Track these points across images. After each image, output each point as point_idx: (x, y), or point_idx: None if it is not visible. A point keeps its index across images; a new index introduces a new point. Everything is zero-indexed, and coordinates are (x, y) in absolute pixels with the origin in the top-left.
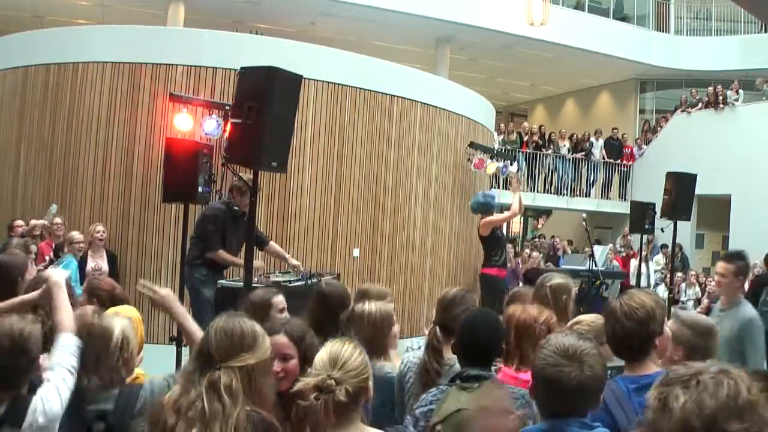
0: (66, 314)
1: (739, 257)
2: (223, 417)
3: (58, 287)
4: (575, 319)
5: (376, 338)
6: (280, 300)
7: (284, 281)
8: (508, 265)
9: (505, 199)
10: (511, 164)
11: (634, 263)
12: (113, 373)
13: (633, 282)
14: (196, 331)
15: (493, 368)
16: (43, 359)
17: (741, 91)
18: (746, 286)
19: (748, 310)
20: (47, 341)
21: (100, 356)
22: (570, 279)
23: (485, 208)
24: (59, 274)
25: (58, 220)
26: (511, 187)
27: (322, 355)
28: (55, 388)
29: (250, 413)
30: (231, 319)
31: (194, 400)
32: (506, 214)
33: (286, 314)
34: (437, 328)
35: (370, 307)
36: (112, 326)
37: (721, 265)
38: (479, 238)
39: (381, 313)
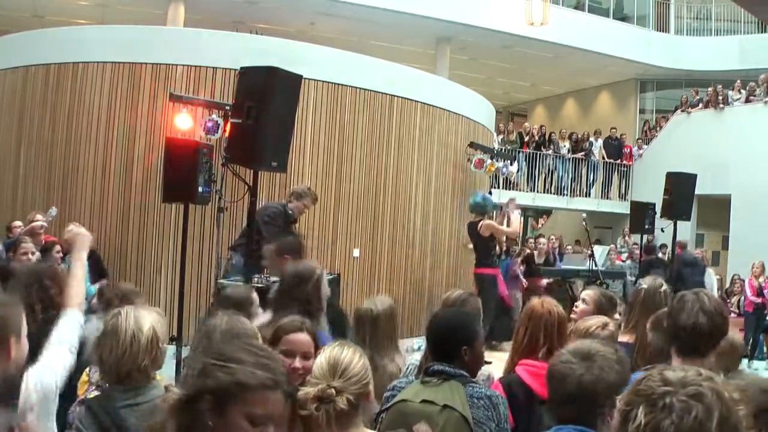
0: (77, 290)
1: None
2: None
3: (80, 256)
4: (585, 325)
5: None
6: (254, 297)
7: None
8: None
9: (504, 199)
10: (511, 164)
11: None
12: None
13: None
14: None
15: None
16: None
17: (743, 91)
18: None
19: None
20: (42, 335)
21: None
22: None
23: (481, 209)
24: (85, 240)
25: (38, 221)
26: (509, 208)
27: (321, 362)
28: (49, 364)
29: None
30: (231, 321)
31: None
32: (507, 229)
33: (259, 310)
34: None
35: (383, 302)
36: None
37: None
38: (478, 238)
39: (391, 307)
